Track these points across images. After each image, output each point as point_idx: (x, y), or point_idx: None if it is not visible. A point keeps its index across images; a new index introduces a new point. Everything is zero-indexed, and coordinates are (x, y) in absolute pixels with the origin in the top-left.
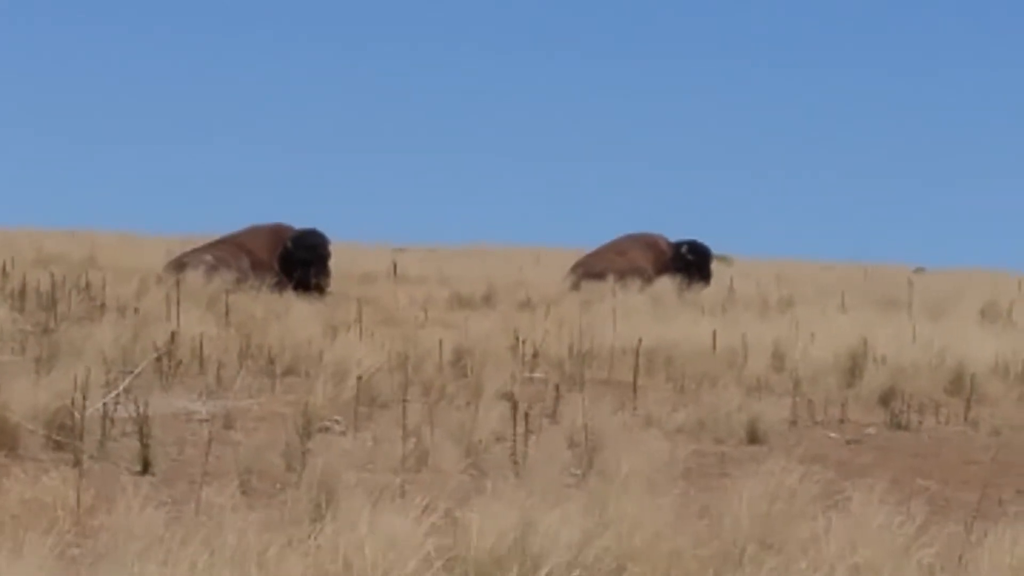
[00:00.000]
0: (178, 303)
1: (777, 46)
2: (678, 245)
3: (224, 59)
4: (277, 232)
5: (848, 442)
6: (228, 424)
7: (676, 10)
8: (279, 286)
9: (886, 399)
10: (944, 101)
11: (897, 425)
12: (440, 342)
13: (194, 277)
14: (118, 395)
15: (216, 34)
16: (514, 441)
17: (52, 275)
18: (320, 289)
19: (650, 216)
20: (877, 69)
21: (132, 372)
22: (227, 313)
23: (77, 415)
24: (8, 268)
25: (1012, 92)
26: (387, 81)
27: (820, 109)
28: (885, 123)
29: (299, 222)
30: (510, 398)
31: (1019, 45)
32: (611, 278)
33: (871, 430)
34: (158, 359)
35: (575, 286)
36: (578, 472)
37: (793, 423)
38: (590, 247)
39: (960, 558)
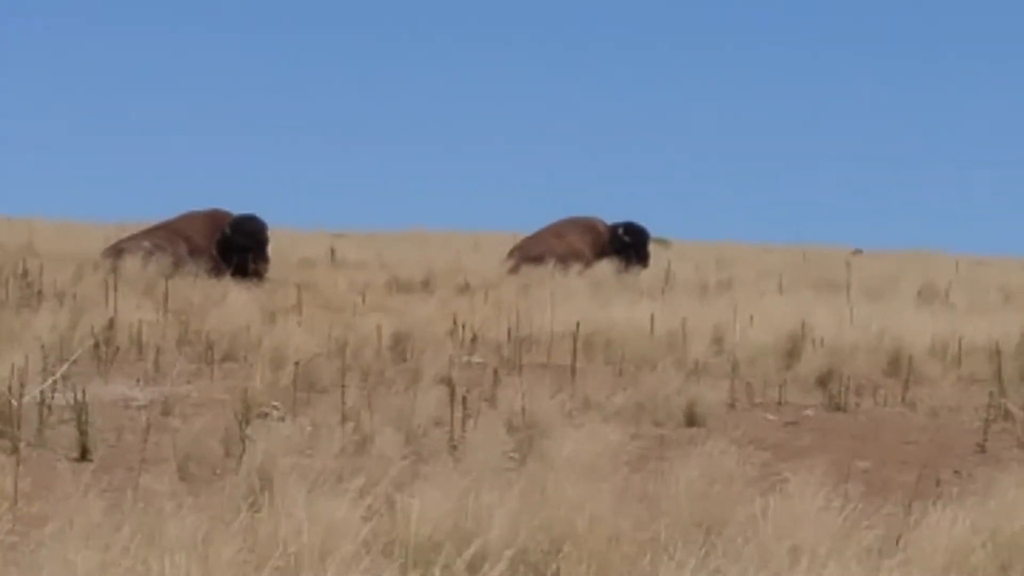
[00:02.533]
0: (116, 289)
1: (711, 28)
2: (615, 227)
3: (161, 46)
4: (214, 218)
5: (786, 424)
6: (166, 411)
7: None
8: (217, 272)
9: (824, 381)
10: (879, 85)
11: (835, 407)
12: (379, 327)
13: (132, 263)
14: (55, 382)
15: (151, 21)
16: (452, 426)
17: None
18: (258, 275)
19: (588, 199)
20: (812, 53)
21: (70, 359)
22: (165, 299)
23: (14, 402)
24: None
25: (946, 76)
26: (322, 68)
27: (759, 91)
28: (823, 106)
29: (237, 208)
30: (448, 383)
31: (951, 30)
32: (550, 262)
33: (809, 412)
34: (96, 346)
35: (514, 270)
36: (516, 456)
37: (731, 406)
38: (529, 231)
39: (899, 539)
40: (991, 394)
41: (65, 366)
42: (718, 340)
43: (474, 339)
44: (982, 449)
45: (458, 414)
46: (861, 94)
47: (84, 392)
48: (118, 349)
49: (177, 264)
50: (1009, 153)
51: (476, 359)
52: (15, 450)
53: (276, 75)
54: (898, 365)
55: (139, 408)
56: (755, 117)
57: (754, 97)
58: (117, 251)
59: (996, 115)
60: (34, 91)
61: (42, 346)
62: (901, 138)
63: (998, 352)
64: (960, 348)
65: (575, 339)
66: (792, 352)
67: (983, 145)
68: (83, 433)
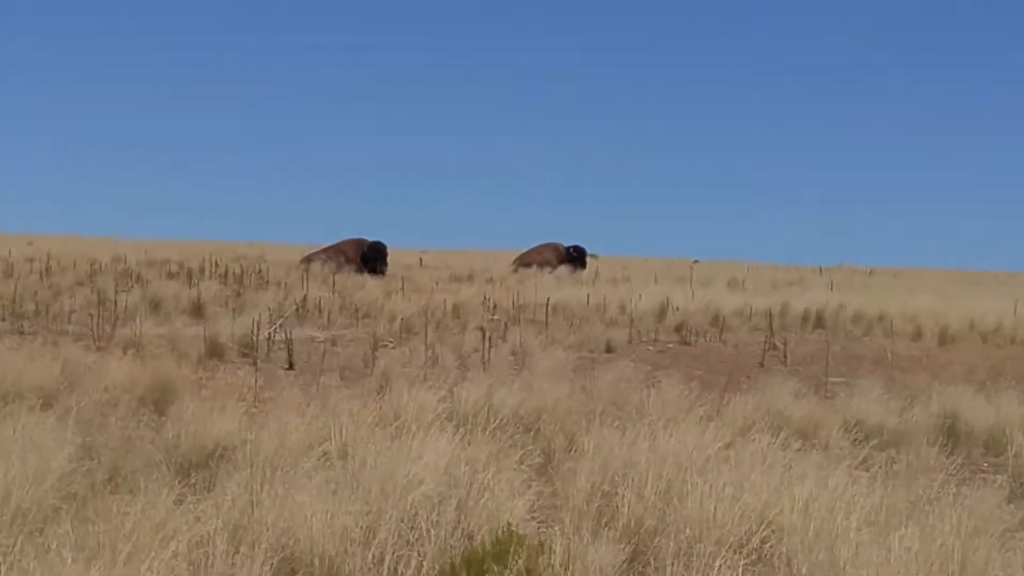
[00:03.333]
0: (307, 280)
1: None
2: (569, 247)
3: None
4: (358, 242)
5: (658, 352)
6: (333, 343)
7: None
8: (359, 271)
9: (679, 328)
10: (699, 125)
11: (684, 343)
12: (444, 300)
13: (316, 266)
14: (275, 328)
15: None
16: (483, 352)
17: (241, 265)
18: (382, 273)
19: (554, 228)
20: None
21: (283, 316)
22: (333, 285)
23: (254, 338)
24: (219, 262)
25: (756, 109)
26: (401, 138)
27: (648, 149)
28: (671, 152)
29: (371, 235)
30: (481, 329)
31: (762, 51)
32: (534, 267)
33: (670, 345)
34: (296, 309)
35: (515, 271)
36: (516, 368)
37: (629, 342)
38: (522, 248)
39: (717, 411)
40: (766, 336)
41: (281, 320)
42: (622, 307)
43: (495, 307)
44: (761, 365)
45: (486, 346)
46: (693, 142)
47: (290, 333)
48: (308, 311)
49: (339, 267)
50: (781, 184)
51: (496, 317)
52: (255, 363)
53: (395, 144)
54: (717, 321)
55: (319, 342)
56: (644, 168)
57: (643, 151)
58: (308, 259)
59: (774, 147)
60: (281, 157)
61: (268, 309)
62: (726, 176)
63: (770, 314)
64: (750, 312)
65: (547, 307)
66: (661, 313)
67: (766, 180)
68: (290, 354)
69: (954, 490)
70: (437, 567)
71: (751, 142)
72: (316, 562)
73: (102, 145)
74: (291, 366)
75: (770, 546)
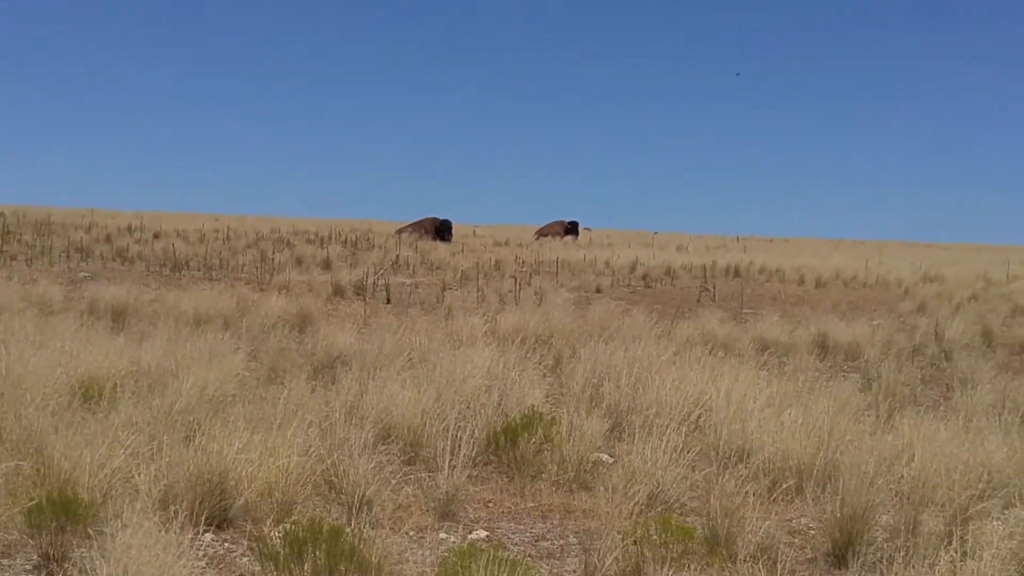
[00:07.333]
0: (399, 245)
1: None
2: (569, 222)
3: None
4: (434, 219)
5: (631, 292)
6: (416, 286)
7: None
8: (434, 240)
9: (644, 277)
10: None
11: (647, 287)
12: (490, 259)
13: (405, 236)
14: (378, 276)
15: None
16: (515, 292)
17: (355, 235)
18: (449, 241)
19: (559, 209)
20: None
21: (383, 268)
22: (416, 249)
23: (364, 283)
24: (340, 232)
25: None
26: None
27: (633, 142)
28: (642, 150)
29: (442, 214)
30: (514, 277)
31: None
32: (548, 236)
33: (638, 288)
34: (392, 264)
35: (536, 239)
36: (537, 302)
37: (611, 286)
38: (540, 224)
39: (669, 332)
40: (701, 282)
41: (381, 271)
42: (606, 263)
43: (523, 263)
44: (698, 301)
45: (517, 289)
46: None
47: (388, 280)
48: (399, 265)
49: (420, 237)
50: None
51: (523, 269)
52: (364, 299)
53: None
54: (669, 272)
55: (407, 285)
56: (623, 156)
57: (623, 139)
58: (400, 231)
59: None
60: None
61: (373, 264)
62: (675, 173)
63: (704, 268)
64: (691, 266)
65: (557, 263)
66: (632, 267)
67: (704, 170)
68: (388, 293)
69: (825, 383)
70: (485, 433)
71: (694, 138)
72: (405, 430)
73: (273, 149)
74: (388, 301)
75: (703, 420)
